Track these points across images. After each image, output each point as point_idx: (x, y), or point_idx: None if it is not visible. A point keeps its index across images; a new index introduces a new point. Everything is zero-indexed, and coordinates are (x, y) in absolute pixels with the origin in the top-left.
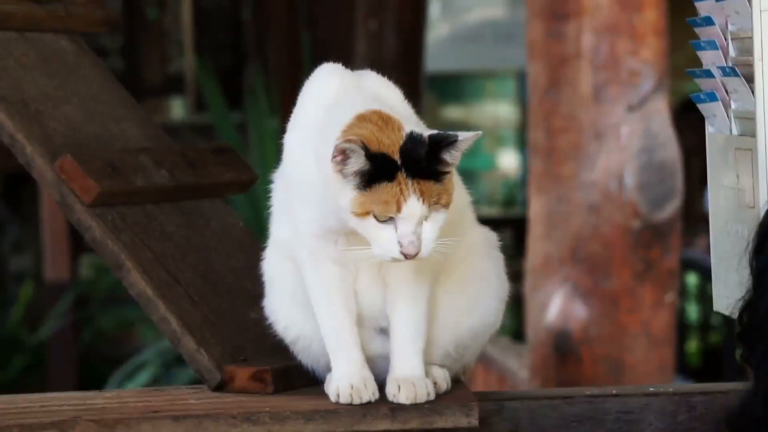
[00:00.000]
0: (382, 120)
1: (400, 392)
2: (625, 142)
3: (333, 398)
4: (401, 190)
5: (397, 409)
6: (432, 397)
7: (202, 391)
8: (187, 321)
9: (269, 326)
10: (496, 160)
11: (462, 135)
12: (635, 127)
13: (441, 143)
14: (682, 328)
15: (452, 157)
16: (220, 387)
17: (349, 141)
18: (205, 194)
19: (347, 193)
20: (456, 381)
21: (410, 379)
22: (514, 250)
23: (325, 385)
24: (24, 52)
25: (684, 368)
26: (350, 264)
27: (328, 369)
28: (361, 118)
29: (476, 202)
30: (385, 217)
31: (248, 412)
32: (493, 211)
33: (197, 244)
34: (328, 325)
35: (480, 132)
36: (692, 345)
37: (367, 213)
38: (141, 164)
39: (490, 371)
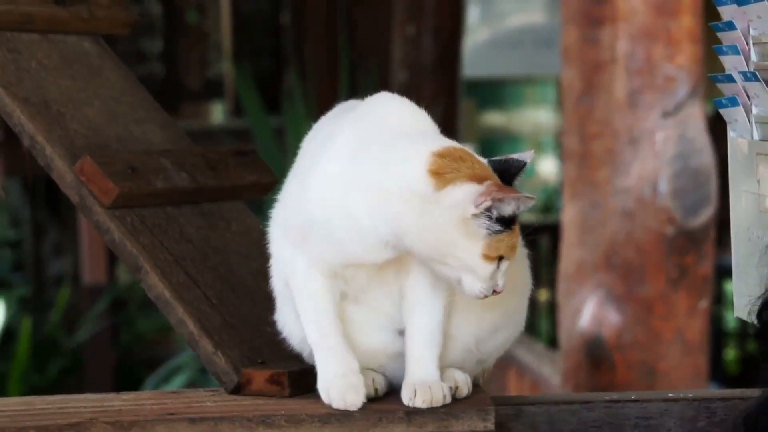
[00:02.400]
0: (472, 158)
1: (416, 396)
2: (659, 148)
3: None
4: (517, 233)
5: (413, 413)
6: (448, 400)
7: (219, 394)
8: (205, 323)
9: (283, 340)
10: (536, 166)
11: (526, 157)
12: (670, 133)
13: (512, 171)
14: (719, 336)
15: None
16: (237, 390)
17: (507, 190)
18: (226, 196)
19: (477, 238)
20: (474, 385)
21: (426, 383)
22: (551, 256)
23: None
24: (47, 54)
25: (721, 376)
26: (354, 279)
27: None
28: (448, 157)
29: None
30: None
31: (264, 415)
32: (532, 218)
33: (217, 246)
34: (317, 333)
35: (533, 150)
36: (730, 352)
37: (497, 257)
38: (161, 166)
39: (524, 378)
